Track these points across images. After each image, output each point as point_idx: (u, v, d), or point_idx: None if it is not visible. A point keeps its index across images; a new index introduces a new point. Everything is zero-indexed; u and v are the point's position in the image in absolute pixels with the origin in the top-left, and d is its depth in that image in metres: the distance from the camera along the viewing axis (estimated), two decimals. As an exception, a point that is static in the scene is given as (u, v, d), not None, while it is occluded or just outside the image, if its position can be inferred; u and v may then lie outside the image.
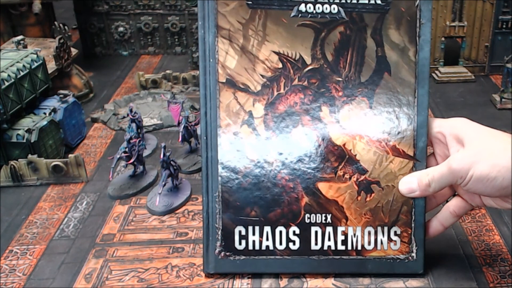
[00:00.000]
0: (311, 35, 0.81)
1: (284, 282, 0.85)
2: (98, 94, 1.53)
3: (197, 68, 1.56)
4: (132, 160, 1.08)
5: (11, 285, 0.85)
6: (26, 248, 0.93)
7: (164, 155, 1.01)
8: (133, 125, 1.11)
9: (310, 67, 0.82)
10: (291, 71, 0.82)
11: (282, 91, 0.82)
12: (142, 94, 1.48)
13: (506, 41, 1.57)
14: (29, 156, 1.09)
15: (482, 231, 0.96)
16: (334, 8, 0.81)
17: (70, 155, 1.10)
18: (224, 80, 0.81)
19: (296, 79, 0.82)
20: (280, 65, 0.81)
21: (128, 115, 1.14)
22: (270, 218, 0.82)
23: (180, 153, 1.21)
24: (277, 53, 0.81)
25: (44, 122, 1.14)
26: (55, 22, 1.58)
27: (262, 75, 0.81)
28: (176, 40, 1.82)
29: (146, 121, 1.33)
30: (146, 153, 1.19)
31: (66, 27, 1.56)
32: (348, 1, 0.81)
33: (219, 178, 0.82)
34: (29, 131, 1.11)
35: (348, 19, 0.81)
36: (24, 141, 1.11)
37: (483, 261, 0.89)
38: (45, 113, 1.18)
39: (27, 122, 1.14)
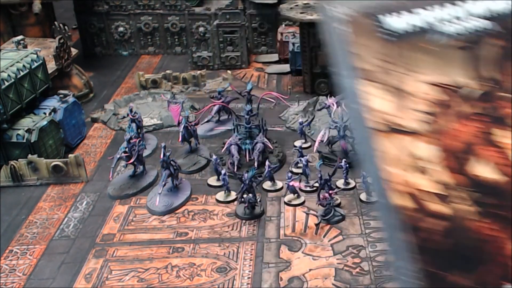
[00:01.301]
0: (463, 56, 0.69)
1: (284, 282, 0.85)
2: (98, 94, 1.53)
3: (197, 67, 1.57)
4: (132, 160, 1.08)
5: (11, 285, 0.85)
6: (26, 248, 0.93)
7: (164, 155, 1.01)
8: (133, 125, 1.11)
9: (478, 92, 0.70)
10: (455, 100, 0.70)
11: (452, 124, 0.68)
12: (142, 94, 1.48)
13: (506, 41, 1.56)
14: (29, 156, 1.09)
15: (482, 231, 0.96)
16: (481, 22, 0.68)
17: (70, 155, 1.10)
18: (377, 126, 0.67)
19: (465, 108, 0.69)
20: (441, 96, 0.69)
21: (128, 115, 1.14)
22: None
23: (180, 153, 1.21)
24: (433, 84, 0.69)
25: (44, 122, 1.14)
26: (55, 22, 1.58)
27: (420, 111, 0.67)
28: (176, 40, 1.82)
29: (146, 121, 1.33)
30: (146, 153, 1.19)
31: (66, 27, 1.56)
32: (498, 12, 0.68)
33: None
34: (29, 131, 1.11)
35: (503, 30, 0.69)
36: (24, 141, 1.11)
37: (483, 261, 0.89)
38: (45, 113, 1.18)
39: (27, 122, 1.14)
